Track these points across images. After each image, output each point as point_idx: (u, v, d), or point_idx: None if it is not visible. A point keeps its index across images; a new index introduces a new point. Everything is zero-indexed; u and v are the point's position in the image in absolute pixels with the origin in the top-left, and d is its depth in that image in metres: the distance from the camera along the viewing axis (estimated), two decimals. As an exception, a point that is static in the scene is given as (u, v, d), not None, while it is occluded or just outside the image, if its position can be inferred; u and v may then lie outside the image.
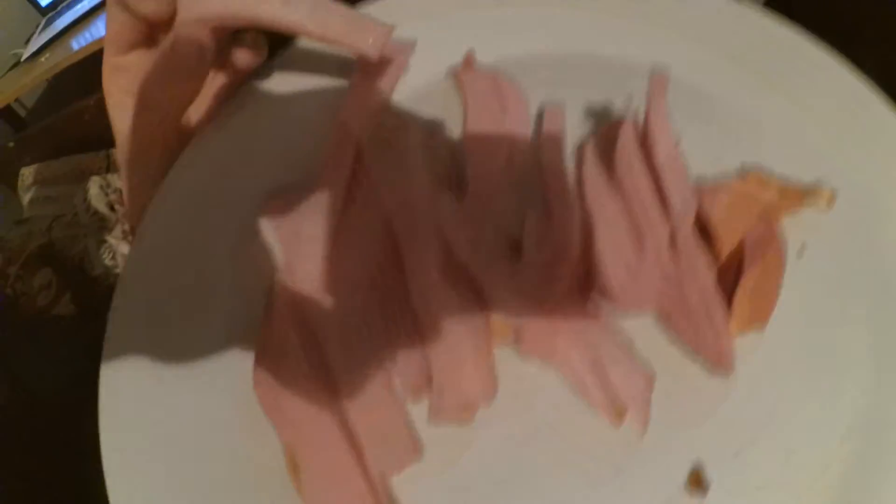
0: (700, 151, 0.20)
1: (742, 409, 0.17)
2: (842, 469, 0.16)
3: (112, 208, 0.66)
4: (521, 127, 0.21)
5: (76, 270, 0.61)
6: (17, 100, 1.03)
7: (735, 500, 0.16)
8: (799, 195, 0.19)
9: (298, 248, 0.19)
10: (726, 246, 0.19)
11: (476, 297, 0.18)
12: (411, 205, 0.20)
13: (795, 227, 0.19)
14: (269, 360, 0.18)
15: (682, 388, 0.17)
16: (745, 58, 0.22)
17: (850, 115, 0.20)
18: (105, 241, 0.62)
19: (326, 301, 0.19)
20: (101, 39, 0.84)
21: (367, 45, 0.19)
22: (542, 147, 0.21)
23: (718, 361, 0.17)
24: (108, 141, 0.61)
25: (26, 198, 0.72)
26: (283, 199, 0.20)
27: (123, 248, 0.61)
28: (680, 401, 0.17)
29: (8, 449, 0.36)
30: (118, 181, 0.71)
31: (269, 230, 0.20)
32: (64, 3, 1.11)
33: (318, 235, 0.19)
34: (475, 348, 0.18)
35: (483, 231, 0.19)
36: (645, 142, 0.20)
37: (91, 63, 0.88)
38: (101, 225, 0.63)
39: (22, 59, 1.04)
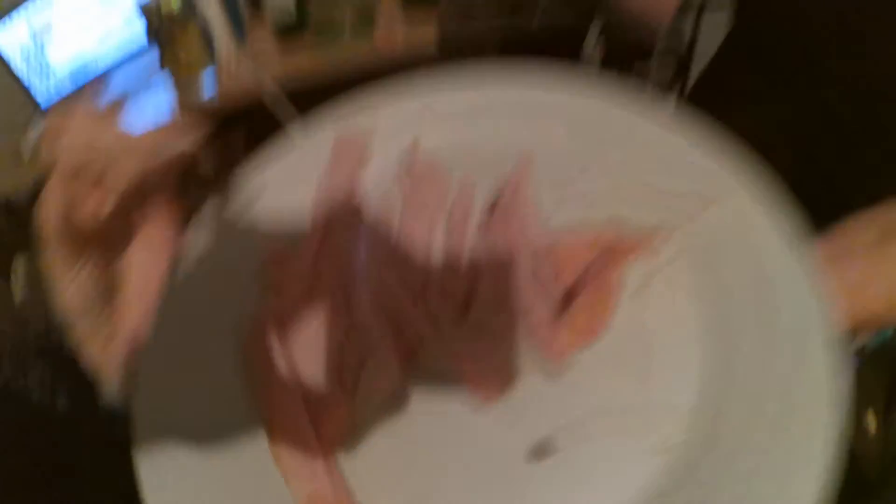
0: (565, 210, 0.27)
1: (574, 396, 0.22)
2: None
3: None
4: (445, 202, 0.28)
5: (72, 363, 0.62)
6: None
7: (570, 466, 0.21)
8: (639, 238, 0.25)
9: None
10: (571, 277, 0.24)
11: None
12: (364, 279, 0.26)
13: (641, 262, 0.25)
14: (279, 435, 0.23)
15: (533, 385, 0.23)
16: (598, 139, 0.29)
17: (674, 177, 0.26)
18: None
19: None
20: None
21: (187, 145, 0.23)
22: (453, 217, 0.28)
23: (554, 360, 0.22)
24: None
25: (18, 287, 0.73)
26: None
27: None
28: (530, 395, 0.22)
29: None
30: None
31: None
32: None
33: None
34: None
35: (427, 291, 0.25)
36: (511, 210, 0.27)
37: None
38: None
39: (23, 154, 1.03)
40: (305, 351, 0.25)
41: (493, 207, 0.28)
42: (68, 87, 1.07)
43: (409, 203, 0.28)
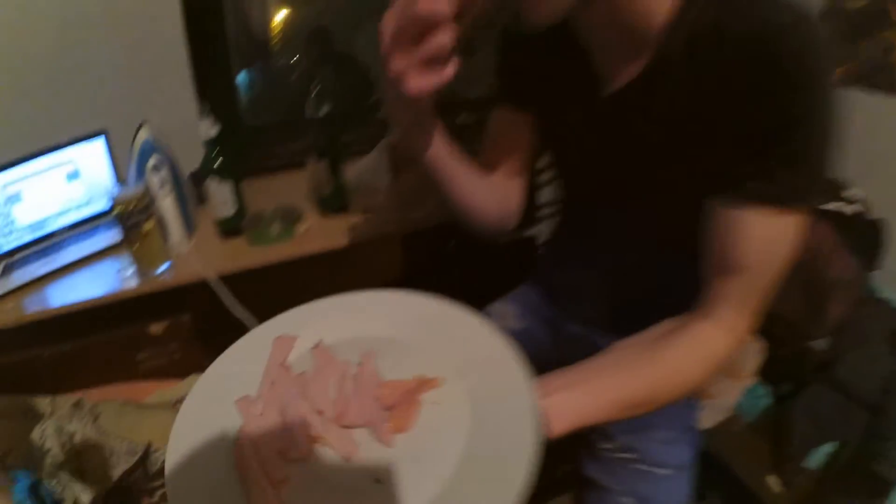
0: (393, 372, 0.53)
1: (392, 453, 0.46)
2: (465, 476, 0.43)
3: (63, 449, 0.80)
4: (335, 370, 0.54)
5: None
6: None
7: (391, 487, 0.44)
8: (430, 381, 0.51)
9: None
10: (392, 401, 0.50)
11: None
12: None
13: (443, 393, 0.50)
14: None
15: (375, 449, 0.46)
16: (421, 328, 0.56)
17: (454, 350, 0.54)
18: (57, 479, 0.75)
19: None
20: (58, 308, 1.05)
21: None
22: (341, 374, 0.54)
23: (384, 441, 0.47)
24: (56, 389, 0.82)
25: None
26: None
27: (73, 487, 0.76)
28: (374, 454, 0.46)
29: None
30: (69, 426, 0.86)
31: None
32: (20, 257, 1.21)
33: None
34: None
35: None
36: (366, 372, 0.53)
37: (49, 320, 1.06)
38: (53, 463, 0.74)
39: None
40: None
41: (359, 369, 0.54)
42: (26, 240, 1.23)
43: (316, 370, 0.54)
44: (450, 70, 0.49)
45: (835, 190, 1.34)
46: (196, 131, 1.18)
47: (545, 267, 0.90)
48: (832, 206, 1.28)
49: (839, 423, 1.05)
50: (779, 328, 1.11)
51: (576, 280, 0.80)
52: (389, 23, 0.48)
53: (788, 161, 0.50)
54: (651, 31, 0.55)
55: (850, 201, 1.30)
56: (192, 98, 1.41)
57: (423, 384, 0.51)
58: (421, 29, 0.46)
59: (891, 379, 1.05)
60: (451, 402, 0.49)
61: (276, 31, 1.72)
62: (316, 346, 0.56)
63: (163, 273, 1.09)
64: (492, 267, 1.08)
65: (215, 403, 0.50)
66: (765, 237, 0.53)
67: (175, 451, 0.45)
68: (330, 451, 0.46)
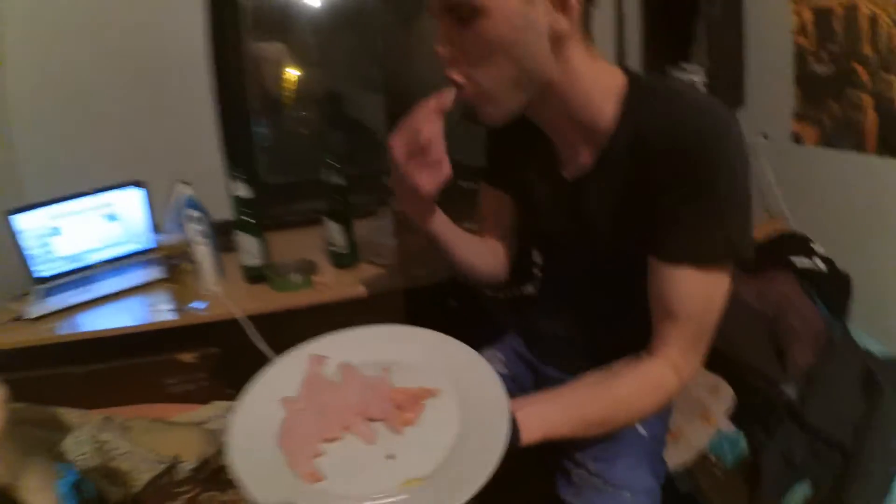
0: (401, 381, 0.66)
1: (402, 438, 0.59)
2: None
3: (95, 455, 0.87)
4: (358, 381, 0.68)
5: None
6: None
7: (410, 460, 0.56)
8: (431, 390, 0.64)
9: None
10: (402, 401, 0.63)
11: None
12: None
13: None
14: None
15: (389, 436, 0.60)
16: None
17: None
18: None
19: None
20: (92, 332, 1.19)
21: None
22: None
23: (396, 430, 0.60)
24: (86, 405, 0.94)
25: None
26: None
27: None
28: (388, 441, 0.59)
29: None
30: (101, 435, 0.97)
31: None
32: (57, 284, 1.39)
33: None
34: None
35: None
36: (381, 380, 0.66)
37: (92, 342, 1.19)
38: (84, 467, 0.79)
39: (25, 317, 1.25)
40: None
41: (377, 380, 0.67)
42: (63, 269, 1.39)
43: (344, 379, 0.67)
44: (447, 168, 0.69)
45: (805, 245, 1.46)
46: (219, 180, 1.36)
47: (527, 318, 1.01)
48: (801, 261, 1.40)
49: (812, 465, 1.10)
50: (748, 375, 1.21)
51: (551, 329, 0.92)
52: (400, 145, 0.69)
53: (705, 227, 0.64)
54: (598, 129, 0.70)
55: (818, 255, 1.42)
56: (217, 151, 1.65)
57: (426, 392, 0.65)
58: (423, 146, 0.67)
59: (862, 420, 1.11)
60: (445, 406, 0.63)
61: (290, 95, 1.94)
62: (342, 364, 0.69)
63: (196, 309, 1.22)
64: (483, 318, 1.20)
65: (264, 402, 0.64)
66: (692, 289, 0.66)
67: (233, 437, 0.59)
68: (355, 437, 0.60)
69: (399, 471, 0.55)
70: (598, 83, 0.69)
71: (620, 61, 2.01)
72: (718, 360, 1.20)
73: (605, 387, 0.70)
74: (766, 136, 1.76)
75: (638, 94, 0.69)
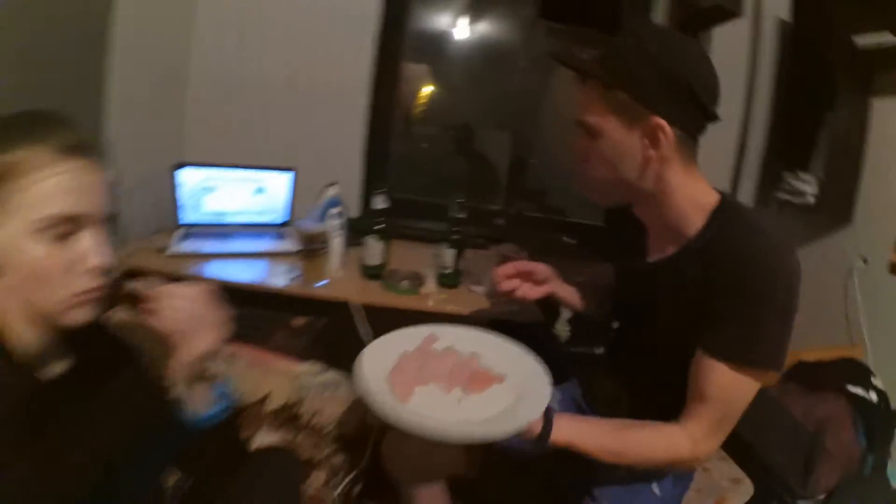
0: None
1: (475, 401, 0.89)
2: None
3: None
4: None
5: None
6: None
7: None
8: (499, 376, 0.93)
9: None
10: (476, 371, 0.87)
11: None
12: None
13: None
14: None
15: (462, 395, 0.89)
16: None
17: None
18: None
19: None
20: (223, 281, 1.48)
21: None
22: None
23: (472, 392, 0.90)
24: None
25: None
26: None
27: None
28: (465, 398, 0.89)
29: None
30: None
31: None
32: (200, 232, 1.66)
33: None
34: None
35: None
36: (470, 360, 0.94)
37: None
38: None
39: (167, 252, 1.52)
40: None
41: (466, 359, 0.94)
42: (207, 222, 1.70)
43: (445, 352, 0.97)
44: (547, 288, 1.06)
45: (865, 375, 1.53)
46: (353, 184, 1.70)
47: (592, 372, 1.19)
48: (856, 389, 1.48)
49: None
50: (772, 480, 1.31)
51: (609, 387, 1.09)
52: (508, 272, 1.11)
53: (742, 335, 0.79)
54: (684, 233, 0.88)
55: (875, 389, 1.49)
56: (357, 158, 1.98)
57: (495, 377, 0.92)
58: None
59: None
60: (505, 390, 0.90)
61: (424, 117, 2.20)
62: (448, 346, 0.99)
63: (319, 286, 1.51)
64: (552, 362, 1.40)
65: (384, 351, 0.94)
66: (722, 381, 0.81)
67: (361, 365, 0.88)
68: (438, 388, 0.89)
69: (460, 414, 0.84)
70: (692, 199, 0.87)
71: (740, 161, 2.06)
72: (749, 457, 1.33)
73: (629, 429, 0.88)
74: (865, 261, 1.77)
75: (724, 215, 0.85)
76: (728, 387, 0.82)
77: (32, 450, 0.58)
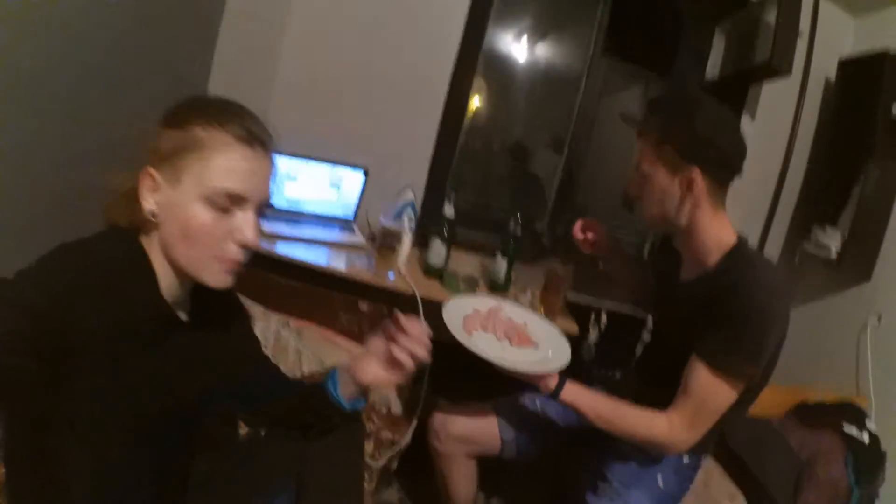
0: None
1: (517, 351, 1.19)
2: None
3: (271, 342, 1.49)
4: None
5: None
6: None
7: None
8: (535, 342, 1.09)
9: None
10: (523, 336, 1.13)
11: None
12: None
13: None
14: None
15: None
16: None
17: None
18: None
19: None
20: (295, 260, 1.71)
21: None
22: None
23: (516, 344, 1.19)
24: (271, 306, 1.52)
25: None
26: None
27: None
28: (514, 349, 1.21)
29: None
30: (282, 331, 1.56)
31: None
32: (275, 215, 1.81)
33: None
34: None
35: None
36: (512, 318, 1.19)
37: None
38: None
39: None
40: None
41: (518, 324, 1.22)
42: (282, 206, 1.86)
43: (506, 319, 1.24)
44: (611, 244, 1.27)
45: (860, 417, 1.70)
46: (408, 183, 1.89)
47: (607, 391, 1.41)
48: (850, 428, 1.65)
49: None
50: (764, 500, 1.50)
51: (623, 381, 1.33)
52: (585, 226, 1.38)
53: (726, 347, 0.99)
54: (704, 264, 1.10)
55: (868, 431, 1.66)
56: (425, 166, 2.16)
57: (533, 342, 1.23)
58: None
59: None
60: (538, 351, 1.20)
61: (487, 138, 2.37)
62: (507, 314, 1.28)
63: (388, 277, 1.72)
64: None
65: (461, 306, 1.26)
66: (703, 380, 1.01)
67: (447, 311, 1.20)
68: (493, 336, 1.21)
69: (506, 355, 1.14)
70: (715, 237, 1.09)
71: (774, 208, 2.23)
72: (746, 477, 1.52)
73: (623, 407, 1.11)
74: (879, 319, 1.92)
75: (737, 254, 1.06)
76: (705, 385, 1.02)
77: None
